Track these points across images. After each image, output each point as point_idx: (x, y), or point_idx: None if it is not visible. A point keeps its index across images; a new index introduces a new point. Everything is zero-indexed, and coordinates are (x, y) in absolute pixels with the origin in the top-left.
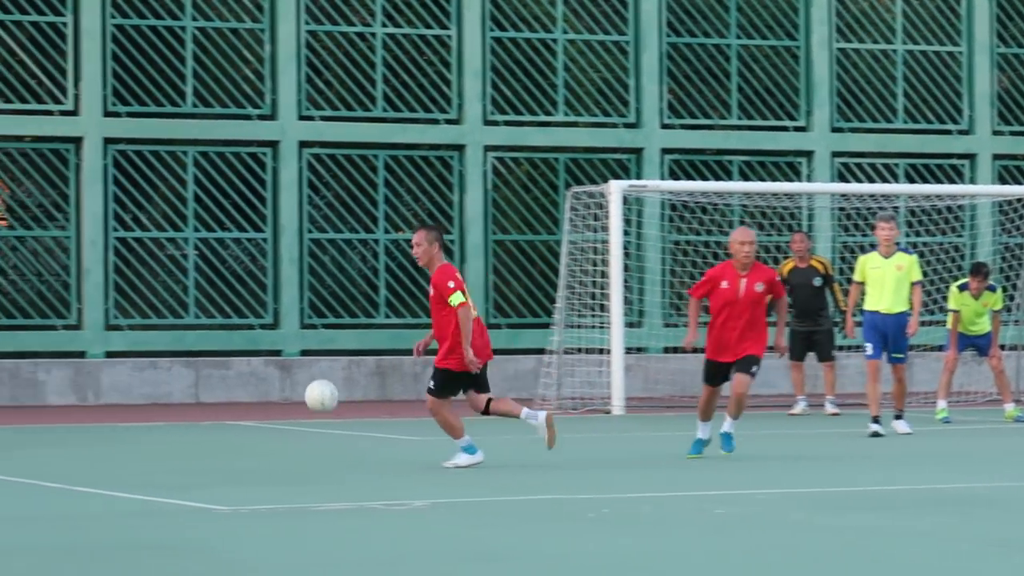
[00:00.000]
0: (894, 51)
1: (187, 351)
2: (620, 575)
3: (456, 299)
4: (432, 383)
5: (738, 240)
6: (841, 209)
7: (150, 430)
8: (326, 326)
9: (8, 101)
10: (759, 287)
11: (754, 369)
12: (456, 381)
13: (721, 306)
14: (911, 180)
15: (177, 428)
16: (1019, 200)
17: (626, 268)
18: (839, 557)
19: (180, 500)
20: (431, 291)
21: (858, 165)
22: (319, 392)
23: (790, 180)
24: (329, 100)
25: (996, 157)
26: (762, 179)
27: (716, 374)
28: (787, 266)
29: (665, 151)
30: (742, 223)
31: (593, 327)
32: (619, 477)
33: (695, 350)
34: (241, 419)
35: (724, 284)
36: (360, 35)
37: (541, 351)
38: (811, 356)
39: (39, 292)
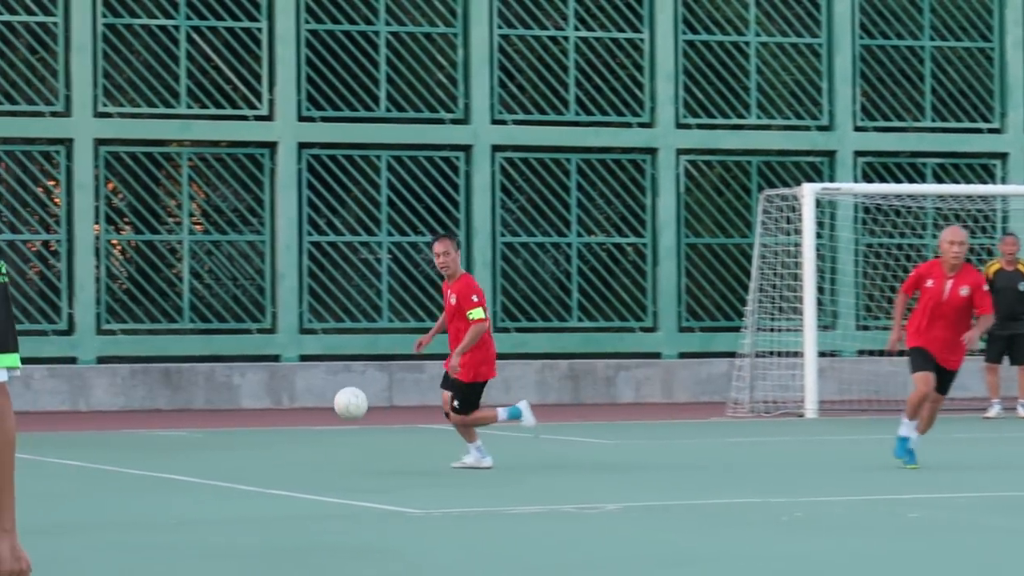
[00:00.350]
0: None
1: (380, 354)
2: None
3: (477, 314)
4: (458, 402)
5: (947, 239)
6: None
7: (344, 433)
8: (518, 330)
9: (204, 107)
10: (964, 291)
11: (948, 389)
12: (480, 390)
13: (925, 304)
14: None
15: (371, 431)
16: None
17: (819, 271)
18: None
19: (374, 503)
20: (452, 300)
21: None
22: (345, 400)
23: (984, 183)
24: (522, 104)
25: None
26: (956, 182)
27: (927, 360)
28: (992, 267)
29: (858, 154)
30: (936, 226)
31: (786, 330)
32: (812, 480)
33: (899, 353)
34: (434, 422)
35: (929, 283)
36: (553, 39)
37: (733, 354)
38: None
39: (234, 296)
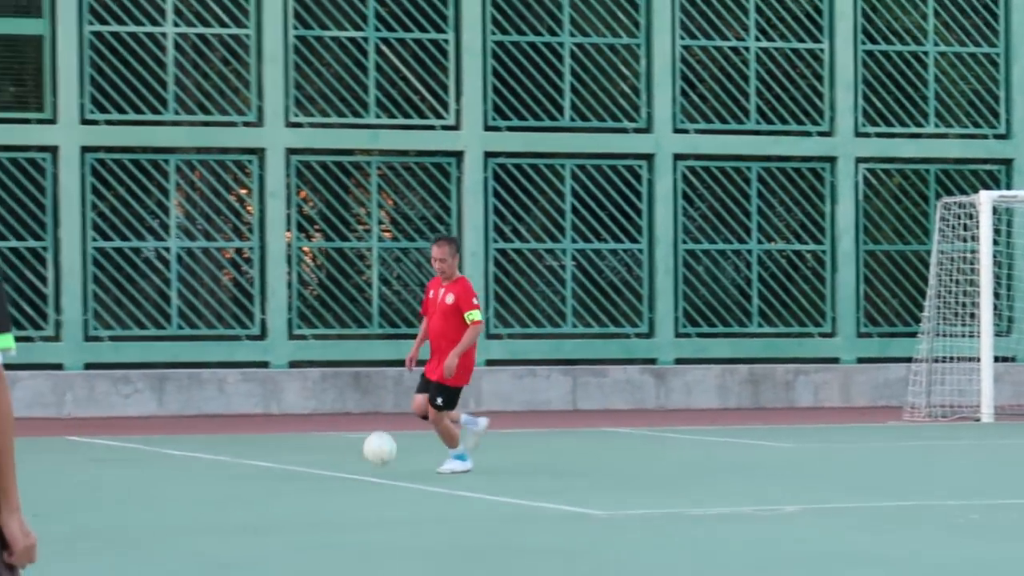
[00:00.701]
0: None
1: (565, 359)
2: None
3: (476, 316)
4: (441, 400)
5: None
6: None
7: (529, 436)
8: (700, 335)
9: (392, 117)
10: None
11: None
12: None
13: None
14: None
15: (555, 434)
16: None
17: (995, 277)
18: None
19: (558, 504)
20: (449, 299)
21: None
22: (377, 447)
23: None
24: (703, 113)
25: None
26: None
27: None
28: None
29: None
30: None
31: (962, 336)
32: (988, 484)
33: None
34: (617, 425)
35: None
36: (734, 49)
37: (911, 360)
38: None
39: (420, 302)
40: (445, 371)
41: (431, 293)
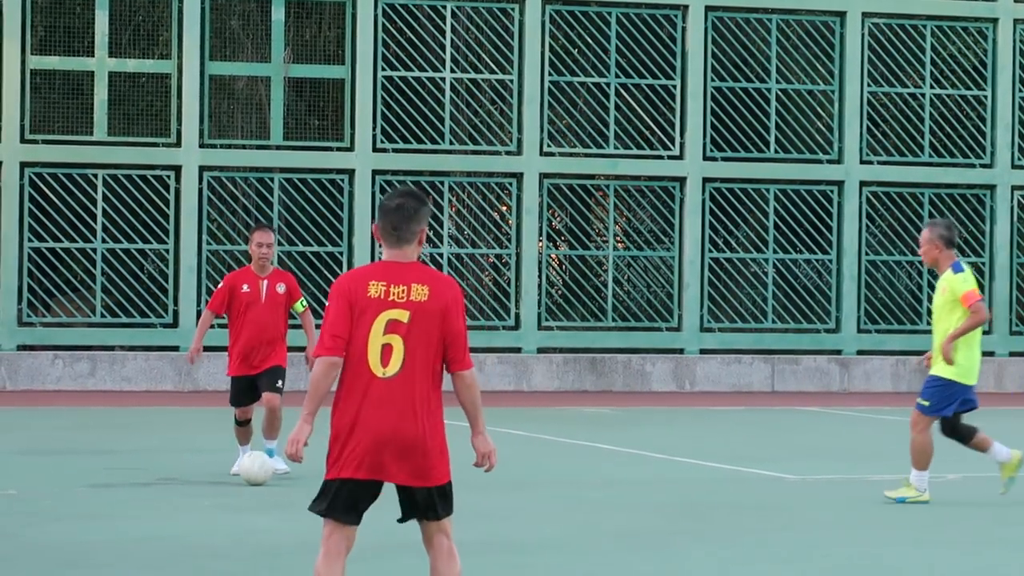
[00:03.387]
0: None
1: (765, 349)
2: None
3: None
4: (282, 382)
5: None
6: None
7: (734, 413)
8: (878, 331)
9: (627, 147)
10: None
11: None
12: None
13: None
14: None
15: (756, 412)
16: None
17: None
18: None
19: (758, 470)
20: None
21: None
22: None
23: None
24: (885, 147)
25: None
26: None
27: None
28: None
29: None
30: None
31: None
32: None
33: None
34: (807, 405)
35: None
36: (912, 95)
37: None
38: None
39: (648, 301)
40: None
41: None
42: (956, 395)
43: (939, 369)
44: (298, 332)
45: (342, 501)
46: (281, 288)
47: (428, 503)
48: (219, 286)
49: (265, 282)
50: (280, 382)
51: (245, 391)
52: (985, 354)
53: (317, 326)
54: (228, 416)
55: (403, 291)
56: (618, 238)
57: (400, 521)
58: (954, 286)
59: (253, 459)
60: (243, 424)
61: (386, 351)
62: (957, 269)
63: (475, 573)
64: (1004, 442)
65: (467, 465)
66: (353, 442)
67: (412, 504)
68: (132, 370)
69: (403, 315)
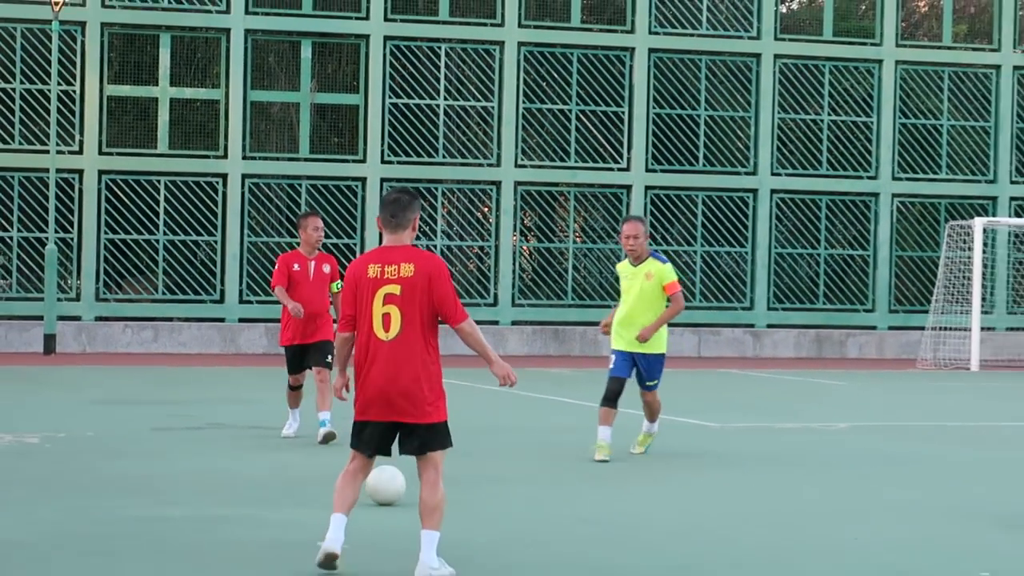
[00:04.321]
0: None
1: (693, 323)
2: None
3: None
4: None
5: None
6: None
7: (669, 374)
8: (784, 309)
9: (585, 161)
10: None
11: None
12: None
13: None
14: None
15: (685, 373)
16: None
17: (982, 275)
18: None
19: (688, 419)
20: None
21: None
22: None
23: None
24: None
25: None
26: None
27: None
28: None
29: None
30: None
31: (959, 313)
32: (977, 411)
33: None
34: (726, 368)
35: None
36: None
37: (923, 328)
38: None
39: (600, 283)
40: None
41: None
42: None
43: (659, 346)
44: None
45: (363, 437)
46: (326, 268)
47: (424, 438)
48: (277, 266)
49: (312, 263)
50: (329, 357)
51: (297, 358)
52: (868, 328)
53: None
54: (264, 374)
55: (395, 269)
56: (577, 234)
57: (401, 453)
58: (663, 275)
59: (381, 475)
60: (295, 389)
61: (386, 319)
62: (663, 260)
63: (463, 501)
64: (883, 395)
65: (458, 414)
66: (367, 392)
67: (410, 439)
68: (187, 337)
69: (396, 289)
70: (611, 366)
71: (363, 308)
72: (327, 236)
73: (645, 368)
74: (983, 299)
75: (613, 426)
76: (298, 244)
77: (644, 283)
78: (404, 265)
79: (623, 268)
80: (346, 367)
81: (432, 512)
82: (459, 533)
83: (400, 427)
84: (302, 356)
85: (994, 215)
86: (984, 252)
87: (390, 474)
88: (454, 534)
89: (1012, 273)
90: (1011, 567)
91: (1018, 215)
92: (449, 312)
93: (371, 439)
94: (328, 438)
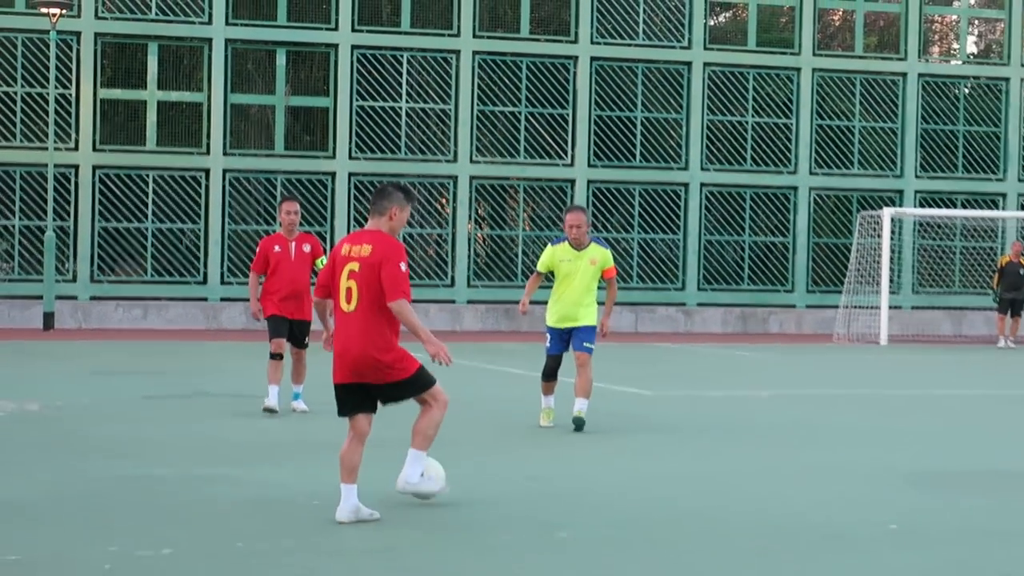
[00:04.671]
0: None
1: (631, 302)
2: None
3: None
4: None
5: None
6: None
7: (608, 348)
8: (712, 289)
9: (533, 157)
10: None
11: None
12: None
13: None
14: None
15: (623, 347)
16: None
17: (890, 260)
18: None
19: (626, 388)
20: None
21: None
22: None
23: (989, 209)
24: None
25: None
26: (975, 208)
27: None
28: (1004, 260)
29: None
30: (963, 234)
31: (870, 292)
32: (886, 380)
33: None
34: (661, 343)
35: None
36: None
37: (838, 306)
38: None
39: None
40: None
41: None
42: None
43: (590, 319)
44: None
45: (341, 401)
46: (307, 248)
47: (393, 394)
48: (257, 251)
49: (293, 243)
50: (307, 339)
51: (280, 326)
52: (788, 306)
53: None
54: (244, 348)
55: (359, 249)
56: (526, 222)
57: (383, 404)
58: (606, 260)
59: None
60: (276, 358)
61: (348, 293)
62: (605, 246)
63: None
64: (802, 367)
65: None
66: (337, 359)
67: (383, 393)
68: (173, 314)
69: (356, 267)
70: (548, 345)
71: (335, 282)
72: (300, 226)
73: (580, 336)
74: (891, 281)
75: (554, 395)
76: (279, 228)
77: (588, 267)
78: (366, 246)
79: (562, 252)
80: (328, 322)
81: (415, 434)
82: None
83: (371, 386)
84: (283, 326)
85: (901, 206)
86: (892, 239)
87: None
88: (406, 496)
89: (917, 258)
90: (916, 520)
91: (922, 206)
92: (386, 290)
93: (346, 400)
94: (298, 409)
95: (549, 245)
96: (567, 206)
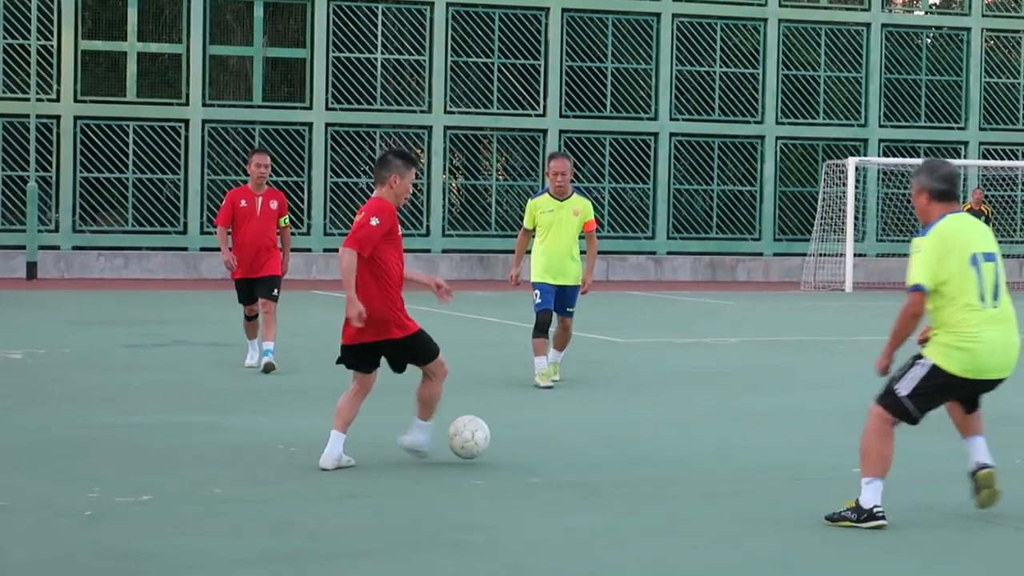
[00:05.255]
0: None
1: (603, 251)
2: None
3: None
4: (278, 291)
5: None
6: None
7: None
8: (682, 238)
9: (506, 108)
10: None
11: None
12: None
13: None
14: None
15: (596, 296)
16: None
17: (855, 209)
18: None
19: (598, 335)
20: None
21: None
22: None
23: (951, 158)
24: None
25: None
26: (934, 156)
27: None
28: (965, 207)
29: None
30: None
31: (835, 241)
32: (850, 326)
33: None
34: (632, 291)
35: None
36: None
37: (805, 255)
38: None
39: (520, 215)
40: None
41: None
42: None
43: (577, 278)
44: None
45: (344, 353)
46: (274, 204)
47: (398, 352)
48: (223, 204)
49: (260, 198)
50: (276, 290)
51: (247, 291)
52: (755, 254)
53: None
54: (223, 298)
55: (359, 212)
56: (499, 172)
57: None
58: (587, 211)
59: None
60: (251, 319)
61: None
62: (586, 196)
63: (393, 410)
64: (769, 314)
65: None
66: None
67: (391, 351)
68: (154, 264)
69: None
70: (538, 300)
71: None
72: (277, 174)
73: (565, 299)
74: (856, 229)
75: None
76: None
77: (571, 218)
78: (361, 208)
79: (544, 203)
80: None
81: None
82: (390, 442)
83: (382, 344)
84: (250, 289)
85: (865, 155)
86: (856, 188)
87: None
88: (384, 438)
89: (881, 206)
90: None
91: (886, 155)
92: (351, 232)
93: (349, 355)
94: (268, 368)
95: (529, 199)
96: (551, 153)
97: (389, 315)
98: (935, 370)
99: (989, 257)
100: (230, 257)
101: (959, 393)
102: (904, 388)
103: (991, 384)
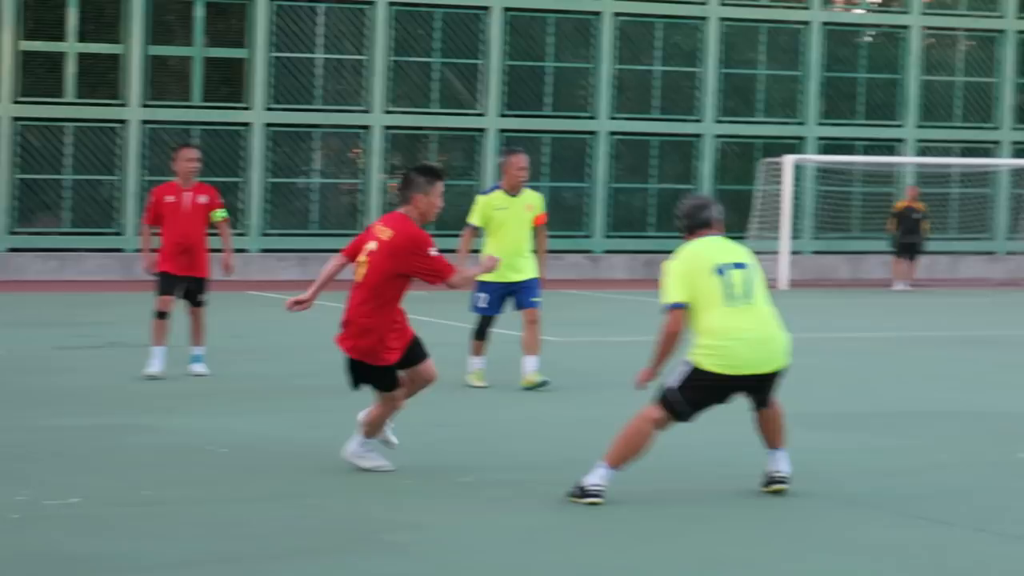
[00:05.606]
0: None
1: (552, 250)
2: None
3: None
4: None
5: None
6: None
7: None
8: (619, 237)
9: (445, 107)
10: None
11: None
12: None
13: None
14: None
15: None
16: None
17: (793, 206)
18: None
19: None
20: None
21: None
22: None
23: (889, 156)
24: None
25: None
26: (874, 154)
27: None
28: (901, 204)
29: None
30: (864, 180)
31: (772, 238)
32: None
33: None
34: (568, 289)
35: None
36: None
37: None
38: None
39: (458, 215)
40: None
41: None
42: None
43: (533, 272)
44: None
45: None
46: (203, 199)
47: (363, 374)
48: (148, 203)
49: (188, 193)
50: (203, 295)
51: (169, 283)
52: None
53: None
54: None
55: (382, 231)
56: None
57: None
58: (539, 206)
59: None
60: (163, 317)
61: (361, 267)
62: (537, 192)
63: (323, 409)
64: None
65: (316, 333)
66: (342, 327)
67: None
68: (90, 266)
69: (375, 246)
70: (483, 305)
71: (357, 252)
72: (214, 176)
73: (527, 290)
74: (792, 226)
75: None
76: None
77: (525, 213)
78: (388, 231)
79: (497, 200)
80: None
81: (362, 424)
82: (322, 442)
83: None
84: (172, 283)
85: (803, 153)
86: (793, 185)
87: None
88: (317, 442)
89: (818, 203)
90: (810, 458)
91: (824, 153)
92: (431, 281)
93: (350, 373)
94: (197, 373)
95: (479, 196)
96: (508, 148)
97: (380, 347)
98: (696, 371)
99: (739, 266)
100: (150, 262)
101: (728, 391)
102: (673, 381)
103: (760, 380)
